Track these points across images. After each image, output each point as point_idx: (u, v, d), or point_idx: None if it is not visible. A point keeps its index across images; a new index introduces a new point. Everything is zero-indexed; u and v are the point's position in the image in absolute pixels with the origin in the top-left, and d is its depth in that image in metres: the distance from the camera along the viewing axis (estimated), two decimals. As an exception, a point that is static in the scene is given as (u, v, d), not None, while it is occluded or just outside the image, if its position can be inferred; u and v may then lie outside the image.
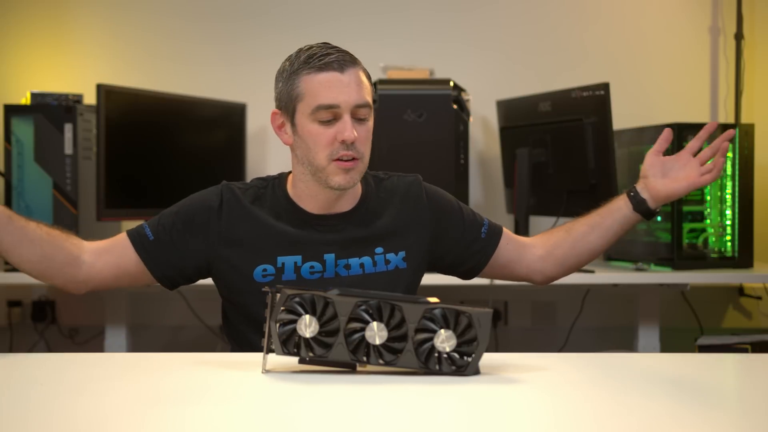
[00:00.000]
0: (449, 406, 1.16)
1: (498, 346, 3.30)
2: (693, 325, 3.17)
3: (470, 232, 1.69)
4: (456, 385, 1.24)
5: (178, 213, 1.61)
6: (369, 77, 1.59)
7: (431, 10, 3.38)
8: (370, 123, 1.58)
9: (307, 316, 1.26)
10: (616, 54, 3.40)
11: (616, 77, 2.98)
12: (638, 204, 1.67)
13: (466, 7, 3.38)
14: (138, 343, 3.09)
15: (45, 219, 2.68)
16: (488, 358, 1.33)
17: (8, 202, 2.71)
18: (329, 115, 1.52)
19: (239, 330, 1.64)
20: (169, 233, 1.59)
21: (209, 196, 1.63)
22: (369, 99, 1.56)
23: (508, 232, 1.74)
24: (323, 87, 1.52)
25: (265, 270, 1.58)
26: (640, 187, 1.68)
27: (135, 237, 1.59)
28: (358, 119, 1.54)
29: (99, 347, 3.15)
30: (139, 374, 1.34)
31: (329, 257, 1.59)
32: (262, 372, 1.30)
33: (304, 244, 1.59)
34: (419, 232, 1.66)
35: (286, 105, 1.57)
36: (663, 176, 1.66)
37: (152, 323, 3.24)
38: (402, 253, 1.64)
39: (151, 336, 3.21)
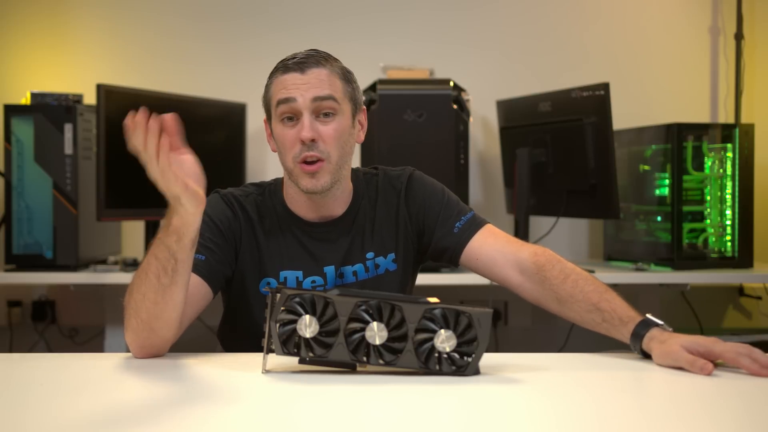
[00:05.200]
0: (449, 406, 1.16)
1: (498, 346, 3.30)
2: (693, 325, 3.17)
3: (447, 222, 1.63)
4: (456, 385, 1.23)
5: (207, 227, 1.55)
6: (345, 77, 1.57)
7: (431, 10, 3.38)
8: (342, 121, 1.54)
9: (307, 316, 1.26)
10: (616, 54, 3.40)
11: (617, 77, 2.99)
12: (636, 347, 1.42)
13: (466, 7, 3.39)
14: (138, 343, 3.09)
15: (45, 219, 2.70)
16: (488, 358, 1.33)
17: (8, 202, 2.71)
18: (288, 110, 1.52)
19: (240, 341, 1.63)
20: (212, 248, 1.54)
21: (219, 206, 1.59)
22: (333, 92, 1.52)
23: (493, 233, 1.63)
24: (284, 85, 1.53)
25: (268, 283, 1.58)
26: (646, 344, 1.40)
27: (194, 268, 1.47)
28: (323, 117, 1.52)
29: (99, 347, 3.15)
30: (139, 374, 1.34)
31: (329, 269, 1.59)
32: (262, 372, 1.30)
33: (305, 258, 1.59)
34: (404, 229, 1.64)
35: (267, 113, 1.60)
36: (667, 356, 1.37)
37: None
38: (391, 255, 1.63)
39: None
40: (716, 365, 1.33)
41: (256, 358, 1.33)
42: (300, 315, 1.26)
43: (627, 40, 3.42)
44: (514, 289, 1.59)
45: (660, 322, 1.41)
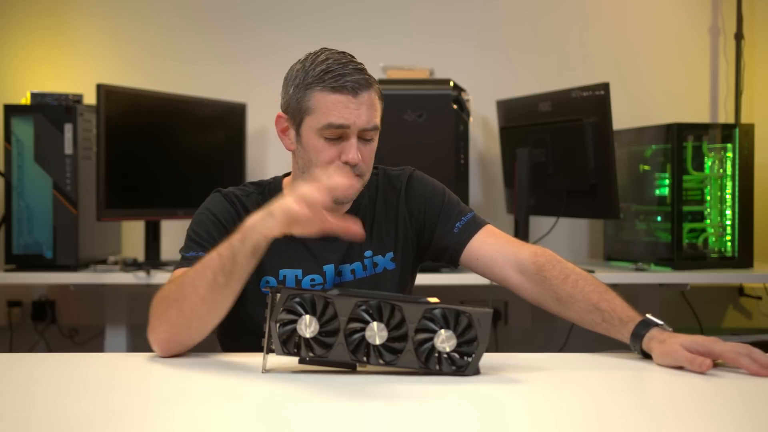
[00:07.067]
0: (449, 406, 1.16)
1: (498, 346, 3.30)
2: (693, 325, 3.17)
3: (448, 222, 1.64)
4: (456, 385, 1.23)
5: (213, 226, 1.56)
6: (381, 97, 1.58)
7: (431, 10, 3.38)
8: (375, 143, 1.57)
9: (307, 316, 1.26)
10: (616, 54, 3.40)
11: (616, 77, 2.99)
12: (636, 347, 1.42)
13: (466, 6, 3.39)
14: (138, 343, 3.09)
15: (45, 219, 2.70)
16: (488, 358, 1.33)
17: (8, 202, 2.71)
18: (337, 134, 1.51)
19: (240, 339, 1.63)
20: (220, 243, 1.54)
21: (223, 205, 1.59)
22: (378, 121, 1.55)
23: (493, 233, 1.64)
24: (335, 107, 1.50)
25: (267, 282, 1.58)
26: (646, 344, 1.40)
27: None
28: (363, 140, 1.54)
29: (99, 347, 3.16)
30: (139, 374, 1.34)
31: (329, 268, 1.59)
32: (262, 372, 1.30)
33: (304, 256, 1.59)
34: (403, 228, 1.65)
35: (294, 114, 1.55)
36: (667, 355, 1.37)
37: (152, 323, 3.23)
38: (390, 254, 1.63)
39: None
40: (716, 365, 1.33)
41: (256, 358, 1.33)
42: (300, 315, 1.26)
43: (627, 40, 3.42)
44: (514, 289, 1.59)
45: (660, 322, 1.41)
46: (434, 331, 1.27)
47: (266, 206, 1.35)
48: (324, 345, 1.26)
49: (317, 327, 1.26)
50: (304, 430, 1.05)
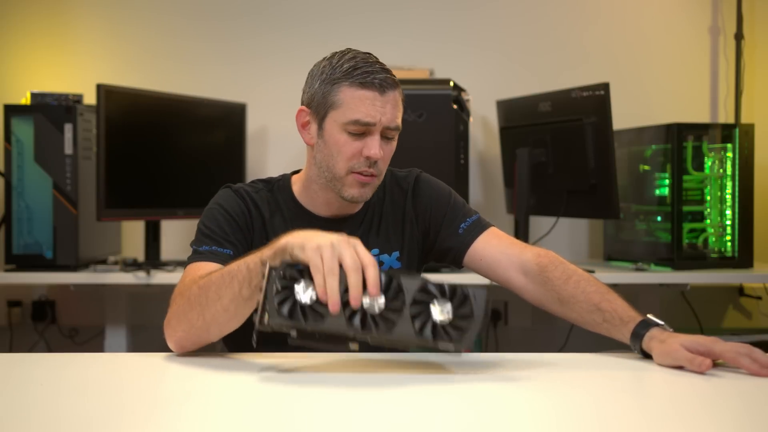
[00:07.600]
0: (449, 406, 1.16)
1: (498, 346, 3.30)
2: (693, 325, 3.17)
3: (453, 223, 1.66)
4: (456, 385, 1.24)
5: (226, 221, 1.56)
6: (403, 99, 1.60)
7: (431, 10, 3.38)
8: (395, 143, 1.60)
9: (304, 282, 1.23)
10: (616, 54, 3.40)
11: (616, 77, 2.99)
12: (636, 347, 1.43)
13: (466, 6, 3.39)
14: (138, 343, 3.09)
15: (45, 219, 2.70)
16: (488, 358, 1.33)
17: (8, 202, 2.71)
18: (361, 129, 1.53)
19: (242, 340, 1.62)
20: (235, 243, 1.55)
21: (234, 201, 1.59)
22: (400, 122, 1.58)
23: (497, 235, 1.65)
24: (362, 103, 1.52)
25: None
26: (646, 343, 1.41)
27: (224, 262, 1.48)
28: (385, 138, 1.56)
29: (99, 347, 3.16)
30: (139, 374, 1.34)
31: None
32: (254, 346, 1.28)
33: None
34: (410, 228, 1.66)
35: (318, 107, 1.56)
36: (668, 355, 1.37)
37: (152, 323, 3.21)
38: (396, 253, 1.65)
39: (151, 336, 3.20)
40: (716, 365, 1.33)
41: (257, 358, 1.33)
42: (297, 280, 1.24)
43: (627, 40, 3.42)
44: (516, 290, 1.60)
45: (660, 322, 1.41)
46: (431, 303, 1.27)
47: (303, 230, 1.30)
48: (319, 315, 1.23)
49: (314, 294, 1.23)
50: (304, 430, 1.05)
